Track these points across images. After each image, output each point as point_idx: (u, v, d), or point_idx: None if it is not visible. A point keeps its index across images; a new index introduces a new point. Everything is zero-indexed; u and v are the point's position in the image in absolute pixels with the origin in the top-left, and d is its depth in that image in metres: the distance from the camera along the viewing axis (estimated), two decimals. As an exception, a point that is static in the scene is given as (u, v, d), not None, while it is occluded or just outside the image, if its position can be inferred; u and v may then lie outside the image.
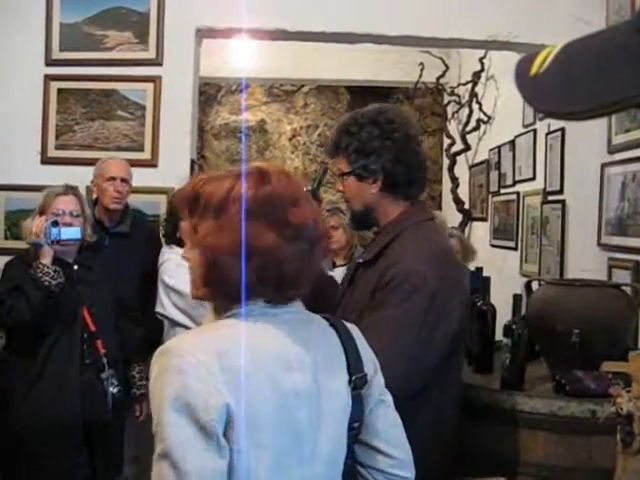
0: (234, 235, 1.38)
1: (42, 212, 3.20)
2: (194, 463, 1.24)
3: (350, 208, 2.27)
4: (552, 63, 0.78)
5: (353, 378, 1.51)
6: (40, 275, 3.04)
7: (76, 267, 3.24)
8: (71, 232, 3.18)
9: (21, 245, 3.44)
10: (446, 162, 6.85)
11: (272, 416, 1.35)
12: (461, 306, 2.07)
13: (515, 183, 5.42)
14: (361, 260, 2.22)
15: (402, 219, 2.14)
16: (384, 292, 2.00)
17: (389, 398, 1.60)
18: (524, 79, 0.82)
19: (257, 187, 1.44)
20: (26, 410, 2.99)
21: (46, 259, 3.09)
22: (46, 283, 3.04)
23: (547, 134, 4.63)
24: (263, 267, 1.39)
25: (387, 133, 2.14)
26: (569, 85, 0.75)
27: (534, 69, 0.80)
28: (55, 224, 3.12)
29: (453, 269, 2.12)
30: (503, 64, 5.55)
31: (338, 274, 2.66)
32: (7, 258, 3.39)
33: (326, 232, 1.64)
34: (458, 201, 6.44)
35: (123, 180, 3.67)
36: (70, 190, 3.31)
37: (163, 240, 3.44)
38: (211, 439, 1.25)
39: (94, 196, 3.75)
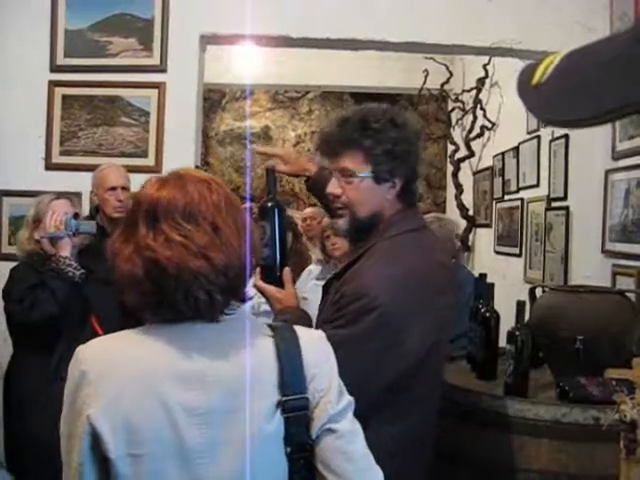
0: (136, 247, 1.39)
1: (37, 220, 3.23)
2: (68, 461, 1.36)
3: (353, 213, 2.03)
4: (554, 72, 0.78)
5: (284, 400, 1.40)
6: (63, 267, 3.06)
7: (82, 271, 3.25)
8: (88, 226, 3.22)
9: (19, 254, 3.44)
10: (450, 168, 6.85)
11: (153, 430, 1.33)
12: (423, 333, 1.90)
13: (519, 189, 5.42)
14: (334, 273, 2.10)
15: (381, 230, 2.02)
16: (335, 308, 1.91)
17: (344, 427, 1.45)
18: (526, 88, 0.82)
19: (157, 195, 1.43)
20: (38, 414, 2.99)
21: (66, 252, 3.12)
22: (70, 274, 3.06)
23: (551, 141, 4.63)
24: (151, 282, 1.38)
25: (411, 138, 2.02)
26: (571, 93, 0.76)
27: (536, 78, 0.80)
28: (76, 216, 3.16)
29: (417, 292, 1.91)
30: (507, 71, 5.55)
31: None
32: (11, 264, 3.40)
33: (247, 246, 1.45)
34: (462, 207, 6.44)
35: (123, 188, 3.66)
36: (62, 195, 3.36)
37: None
38: (78, 444, 1.33)
39: (96, 203, 3.75)
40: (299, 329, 1.51)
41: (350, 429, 1.46)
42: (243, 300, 1.49)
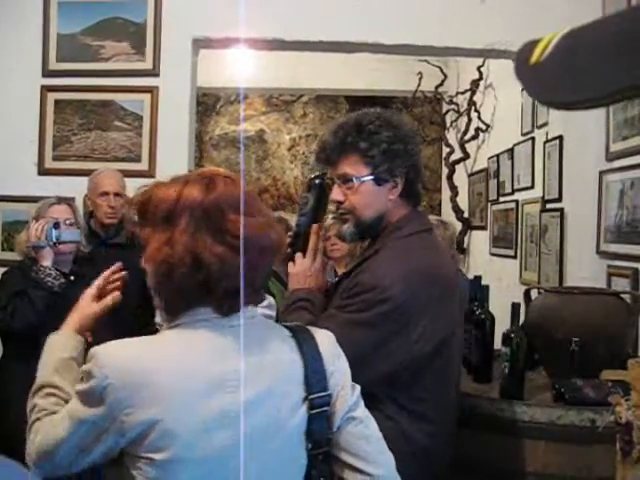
0: (185, 248, 1.38)
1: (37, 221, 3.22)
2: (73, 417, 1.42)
3: (357, 217, 2.05)
4: (554, 50, 0.76)
5: (310, 397, 1.45)
6: (43, 276, 3.06)
7: (72, 278, 3.23)
8: (71, 234, 3.22)
9: (18, 256, 3.43)
10: (445, 171, 6.85)
11: (191, 434, 1.33)
12: (432, 329, 1.93)
13: (514, 191, 5.41)
14: (344, 272, 2.12)
15: (393, 229, 2.05)
16: (347, 295, 1.95)
17: (361, 414, 1.53)
18: (524, 67, 0.79)
19: (204, 195, 1.43)
20: (24, 420, 2.97)
21: (47, 261, 3.12)
22: (49, 284, 3.06)
23: (545, 142, 4.63)
24: (208, 279, 1.38)
25: (408, 137, 2.05)
26: (573, 73, 0.73)
27: (535, 57, 0.77)
28: (56, 226, 3.15)
29: (429, 290, 1.94)
30: (501, 72, 5.55)
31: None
32: (3, 269, 3.39)
33: (278, 241, 1.50)
34: (457, 210, 6.44)
35: (116, 194, 3.62)
36: (63, 200, 3.35)
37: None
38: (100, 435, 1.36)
39: (90, 208, 3.73)
40: (311, 329, 1.56)
41: (366, 415, 1.55)
42: (259, 301, 1.53)
